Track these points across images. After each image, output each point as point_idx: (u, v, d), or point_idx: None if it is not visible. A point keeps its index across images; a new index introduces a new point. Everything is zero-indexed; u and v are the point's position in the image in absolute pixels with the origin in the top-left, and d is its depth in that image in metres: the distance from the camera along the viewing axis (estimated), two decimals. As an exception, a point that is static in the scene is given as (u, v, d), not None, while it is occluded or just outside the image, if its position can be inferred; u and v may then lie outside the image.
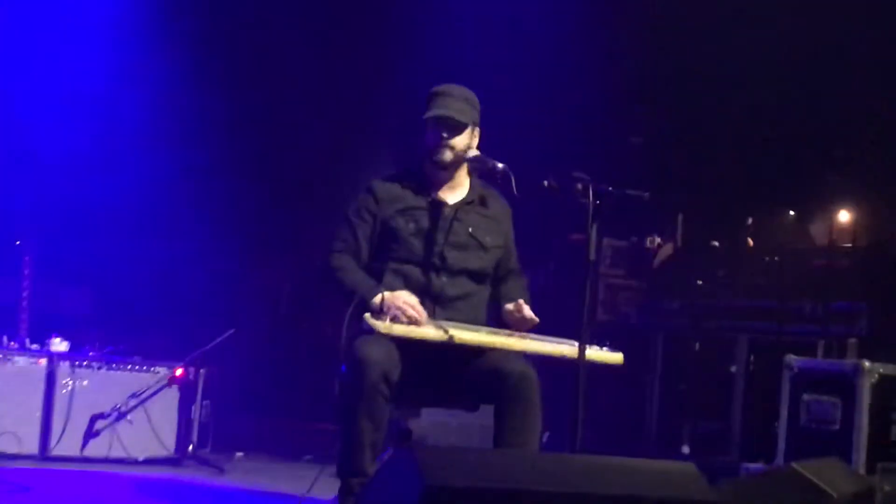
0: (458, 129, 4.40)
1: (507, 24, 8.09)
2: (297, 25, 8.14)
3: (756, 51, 7.80)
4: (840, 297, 6.69)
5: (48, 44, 7.53)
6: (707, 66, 7.95)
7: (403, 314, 4.11)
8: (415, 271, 4.39)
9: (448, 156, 4.41)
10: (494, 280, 4.61)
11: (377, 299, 4.16)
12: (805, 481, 4.05)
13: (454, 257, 4.43)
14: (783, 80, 7.84)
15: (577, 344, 4.03)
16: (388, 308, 4.12)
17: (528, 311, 4.36)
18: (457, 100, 4.41)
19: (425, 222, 4.43)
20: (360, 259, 4.42)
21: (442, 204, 4.48)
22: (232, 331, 6.73)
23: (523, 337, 4.30)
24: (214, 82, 7.93)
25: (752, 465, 6.21)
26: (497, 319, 4.52)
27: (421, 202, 4.46)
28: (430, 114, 4.39)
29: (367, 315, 4.11)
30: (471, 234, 4.48)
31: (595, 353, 4.23)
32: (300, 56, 8.19)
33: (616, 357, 4.33)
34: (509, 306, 4.43)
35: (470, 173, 4.55)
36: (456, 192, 4.53)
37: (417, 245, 4.41)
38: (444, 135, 4.39)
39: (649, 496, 3.14)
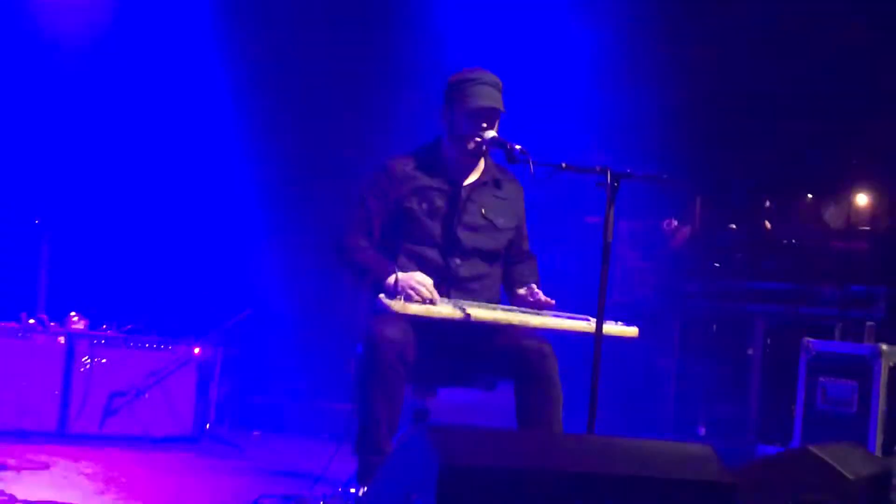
0: (497, 118, 4.41)
1: (528, 6, 8.07)
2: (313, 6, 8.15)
3: (777, 34, 7.76)
4: (858, 281, 6.68)
5: (67, 31, 7.54)
6: (727, 48, 7.92)
7: (417, 294, 4.12)
8: (428, 252, 4.41)
9: (480, 144, 4.42)
10: (506, 262, 4.62)
11: (391, 280, 4.18)
12: (821, 464, 4.04)
13: (467, 238, 4.44)
14: (804, 63, 7.80)
15: (592, 319, 4.03)
16: (402, 288, 4.14)
17: (541, 294, 4.36)
18: (494, 88, 4.41)
19: (439, 203, 4.44)
20: (373, 238, 4.43)
21: (456, 184, 4.48)
22: (248, 311, 6.74)
23: (539, 314, 4.30)
24: (235, 65, 7.94)
25: (769, 448, 6.21)
26: (510, 301, 4.53)
27: (435, 182, 4.47)
28: (477, 103, 4.38)
29: (382, 295, 4.12)
30: (484, 216, 4.49)
31: (611, 328, 4.24)
32: (319, 38, 8.19)
33: (631, 330, 4.34)
34: (521, 291, 4.44)
35: (485, 154, 4.56)
36: (470, 172, 4.53)
37: (431, 225, 4.42)
38: (485, 124, 4.40)
39: (666, 477, 3.14)
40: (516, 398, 4.25)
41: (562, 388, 4.25)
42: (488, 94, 4.39)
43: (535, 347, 4.22)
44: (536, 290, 4.38)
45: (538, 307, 4.35)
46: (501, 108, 4.40)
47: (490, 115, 4.39)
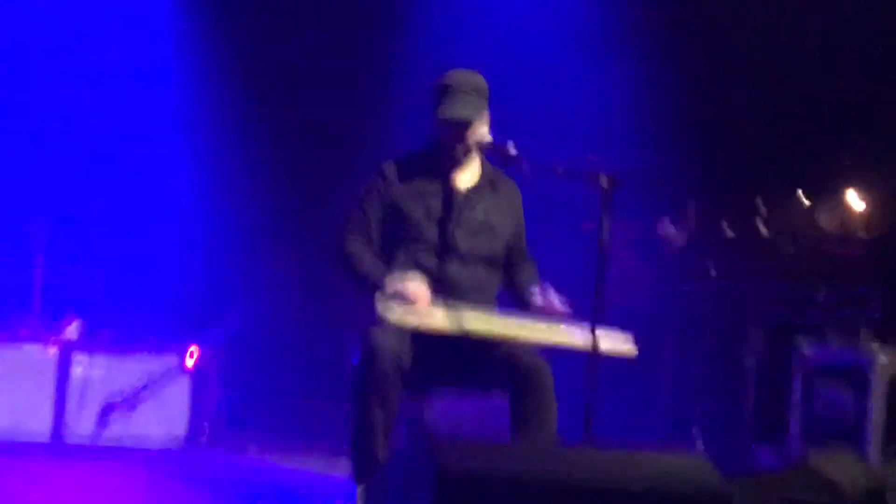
0: (468, 125, 4.40)
1: (523, 5, 8.08)
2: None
3: (769, 31, 7.76)
4: (853, 283, 6.67)
5: (69, 29, 7.54)
6: (725, 48, 7.92)
7: (404, 296, 4.11)
8: (426, 256, 4.39)
9: (461, 151, 4.43)
10: (508, 266, 4.61)
11: (388, 290, 4.17)
12: (817, 476, 4.05)
13: (465, 242, 4.43)
14: (797, 61, 7.80)
15: (589, 328, 4.00)
16: (394, 291, 4.13)
17: (559, 304, 4.34)
18: (465, 94, 4.36)
19: (436, 206, 4.43)
20: (371, 242, 4.42)
21: (453, 188, 4.48)
22: (244, 315, 6.73)
23: (538, 326, 4.28)
24: (229, 64, 7.94)
25: (764, 448, 6.21)
26: (516, 306, 4.51)
27: (432, 186, 4.46)
28: (441, 115, 4.37)
29: (379, 306, 4.10)
30: (482, 219, 4.48)
31: (608, 347, 4.20)
32: (319, 38, 8.19)
33: (629, 349, 4.32)
34: (536, 300, 4.40)
35: (481, 157, 4.55)
36: (467, 175, 4.52)
37: (428, 229, 4.41)
38: (456, 134, 4.40)
39: (663, 489, 3.14)
40: (511, 409, 4.23)
41: (556, 400, 4.23)
42: (455, 102, 4.36)
43: (530, 361, 4.20)
44: (554, 299, 4.35)
45: (553, 315, 4.33)
46: (469, 118, 4.36)
47: (458, 124, 4.39)
